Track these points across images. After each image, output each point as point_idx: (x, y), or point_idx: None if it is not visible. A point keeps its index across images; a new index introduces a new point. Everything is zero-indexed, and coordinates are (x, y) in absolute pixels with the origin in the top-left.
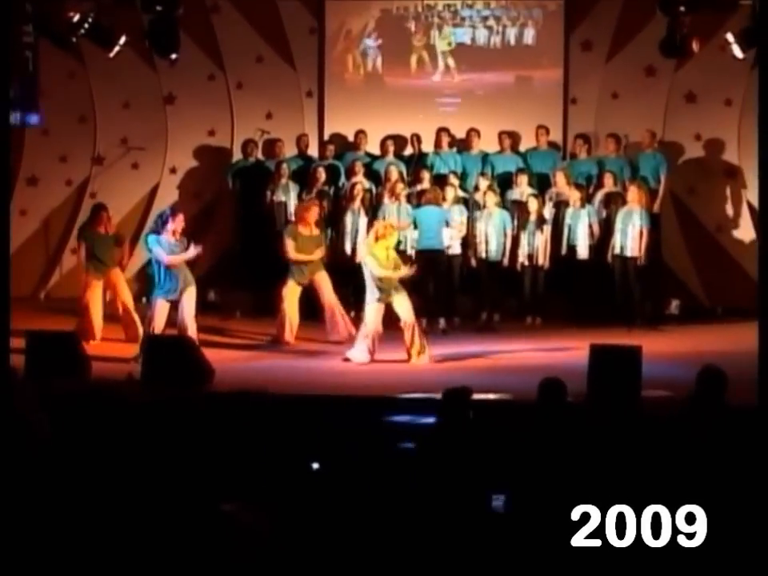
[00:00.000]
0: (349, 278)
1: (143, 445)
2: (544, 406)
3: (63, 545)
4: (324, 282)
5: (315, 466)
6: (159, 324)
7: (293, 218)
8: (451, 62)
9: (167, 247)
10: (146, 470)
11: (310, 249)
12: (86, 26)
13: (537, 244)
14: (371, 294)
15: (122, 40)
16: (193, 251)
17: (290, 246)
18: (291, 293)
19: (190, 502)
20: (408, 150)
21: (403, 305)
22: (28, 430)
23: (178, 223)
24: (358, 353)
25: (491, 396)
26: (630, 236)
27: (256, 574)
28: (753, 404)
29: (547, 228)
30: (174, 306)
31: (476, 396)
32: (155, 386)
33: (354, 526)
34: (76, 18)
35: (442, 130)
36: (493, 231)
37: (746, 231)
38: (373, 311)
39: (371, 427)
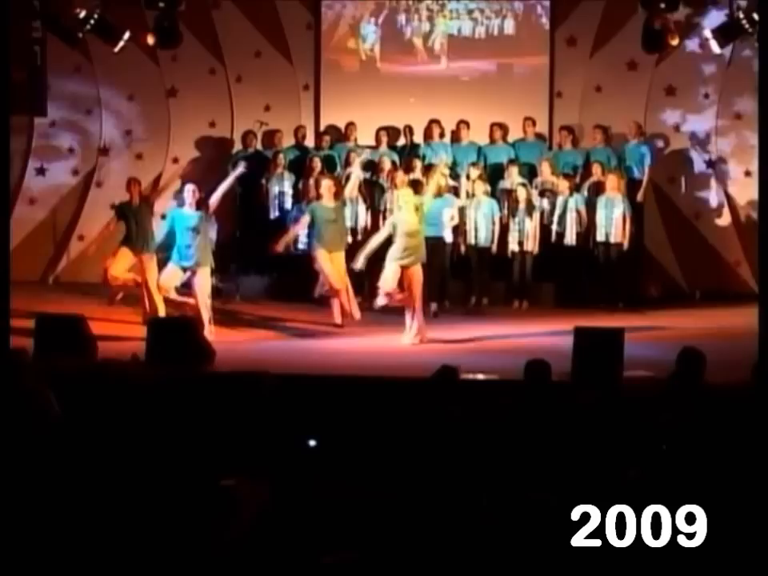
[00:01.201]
0: (347, 262)
1: (147, 422)
2: (530, 386)
3: (69, 521)
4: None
5: (312, 443)
6: (167, 285)
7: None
8: (443, 48)
9: (182, 218)
10: (149, 446)
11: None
12: (92, 21)
13: (526, 231)
14: (392, 252)
15: (127, 35)
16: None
17: None
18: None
19: (191, 477)
20: (401, 141)
21: (415, 277)
22: (37, 408)
23: (187, 194)
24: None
25: (479, 376)
26: (613, 223)
27: (254, 544)
28: (731, 382)
29: (536, 215)
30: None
31: (464, 376)
32: (159, 366)
33: (350, 501)
34: (82, 14)
35: (433, 122)
36: (482, 219)
37: (722, 218)
38: (389, 271)
39: (365, 406)
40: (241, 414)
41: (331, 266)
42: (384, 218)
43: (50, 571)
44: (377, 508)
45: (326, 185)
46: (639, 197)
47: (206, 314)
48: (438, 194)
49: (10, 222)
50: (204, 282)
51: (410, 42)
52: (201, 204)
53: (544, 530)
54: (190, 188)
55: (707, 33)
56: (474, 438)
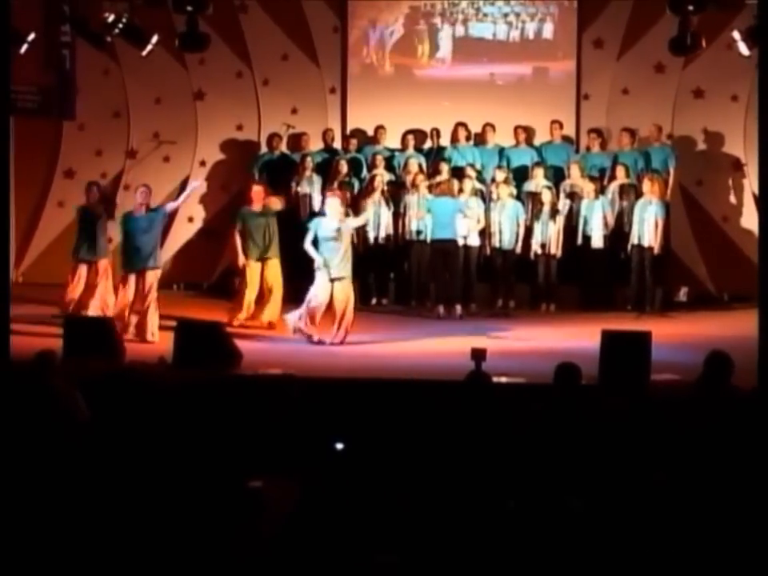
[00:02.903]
0: (371, 265)
1: (174, 424)
2: (560, 389)
3: (97, 522)
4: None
5: (340, 446)
6: (124, 297)
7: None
8: (476, 52)
9: (132, 220)
10: (176, 448)
11: None
12: (120, 25)
13: (550, 234)
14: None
15: (155, 39)
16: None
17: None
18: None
19: (219, 479)
20: (427, 144)
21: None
22: (65, 410)
23: (139, 196)
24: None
25: (504, 379)
26: (647, 227)
27: (282, 544)
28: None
29: (560, 218)
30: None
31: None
32: (185, 369)
33: (377, 504)
34: (110, 18)
35: (459, 125)
36: (506, 221)
37: (750, 221)
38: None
39: (392, 409)
40: (269, 416)
41: (256, 278)
42: (403, 222)
43: (75, 570)
44: (405, 510)
45: (256, 190)
46: (666, 199)
47: (155, 320)
48: (448, 194)
49: (9, 223)
50: (153, 283)
51: (438, 46)
52: (145, 204)
53: (570, 534)
54: (141, 189)
55: (735, 35)
56: (502, 441)
